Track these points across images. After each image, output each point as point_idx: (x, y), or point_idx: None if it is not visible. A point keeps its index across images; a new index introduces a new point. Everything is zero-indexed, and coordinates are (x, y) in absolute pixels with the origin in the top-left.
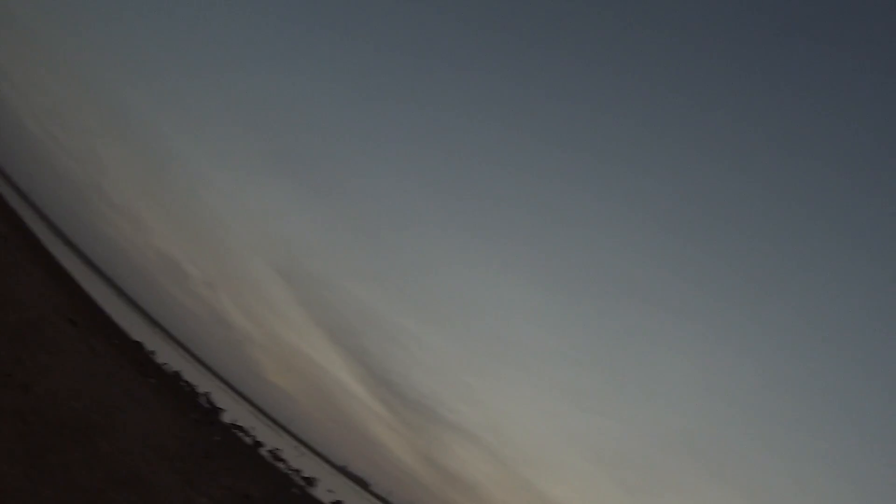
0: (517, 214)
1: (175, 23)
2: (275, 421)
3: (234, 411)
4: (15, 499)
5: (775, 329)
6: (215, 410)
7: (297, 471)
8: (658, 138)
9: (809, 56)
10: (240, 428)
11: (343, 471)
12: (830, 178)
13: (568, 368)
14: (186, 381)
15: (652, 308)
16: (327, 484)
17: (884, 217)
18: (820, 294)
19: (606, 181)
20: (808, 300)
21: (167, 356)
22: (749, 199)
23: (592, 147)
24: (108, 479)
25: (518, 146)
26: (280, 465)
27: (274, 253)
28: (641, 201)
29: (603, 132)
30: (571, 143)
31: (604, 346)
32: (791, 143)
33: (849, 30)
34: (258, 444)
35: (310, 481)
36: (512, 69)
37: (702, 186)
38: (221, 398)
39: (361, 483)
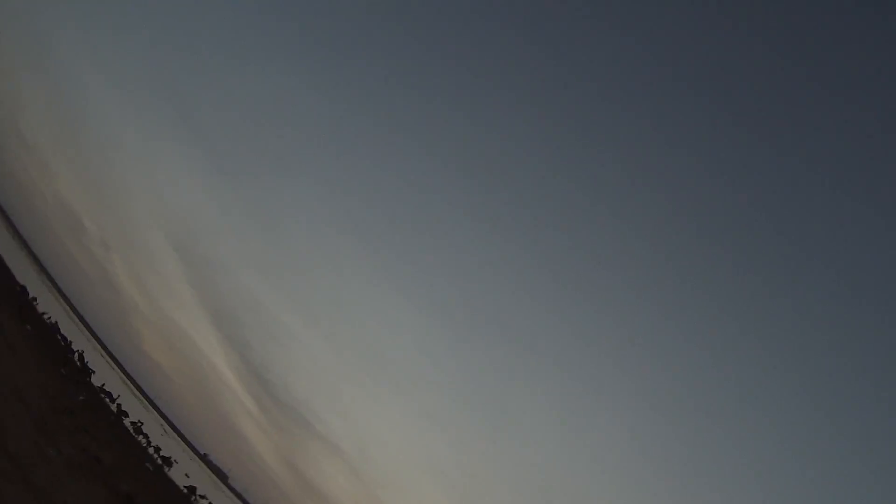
0: (415, 239)
1: None
2: (144, 394)
3: (104, 375)
4: None
5: (637, 375)
6: (86, 370)
7: (157, 448)
8: (543, 175)
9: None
10: (107, 393)
11: (204, 458)
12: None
13: (439, 398)
14: (63, 336)
15: (527, 354)
16: (185, 468)
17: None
18: (683, 341)
19: (491, 216)
20: (673, 345)
21: (49, 306)
22: (624, 244)
23: (486, 182)
24: None
25: (422, 171)
26: (140, 438)
27: (173, 227)
28: (528, 248)
29: (496, 166)
30: (467, 175)
31: (477, 384)
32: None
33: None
34: (122, 413)
35: (167, 461)
36: (417, 84)
37: (577, 227)
38: (95, 360)
39: (220, 474)
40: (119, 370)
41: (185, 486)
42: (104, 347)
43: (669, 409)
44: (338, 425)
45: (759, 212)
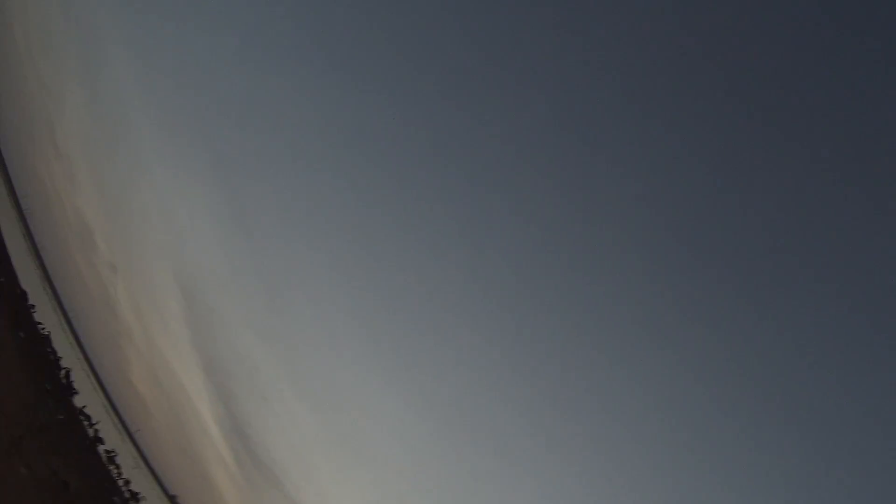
0: (414, 338)
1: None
2: (124, 424)
3: (87, 398)
4: None
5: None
6: (70, 389)
7: (127, 481)
8: (533, 288)
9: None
10: (87, 416)
11: (172, 499)
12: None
13: (414, 493)
14: (53, 349)
15: (509, 467)
16: None
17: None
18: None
19: (492, 327)
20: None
21: (46, 317)
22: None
23: (487, 291)
24: None
25: (434, 281)
26: (112, 468)
27: (183, 267)
28: (522, 364)
29: (497, 279)
30: (470, 284)
31: (455, 487)
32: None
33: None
34: (98, 439)
35: (135, 496)
36: (430, 196)
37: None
38: (81, 380)
39: None
40: (103, 394)
41: None
42: (92, 369)
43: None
44: (308, 493)
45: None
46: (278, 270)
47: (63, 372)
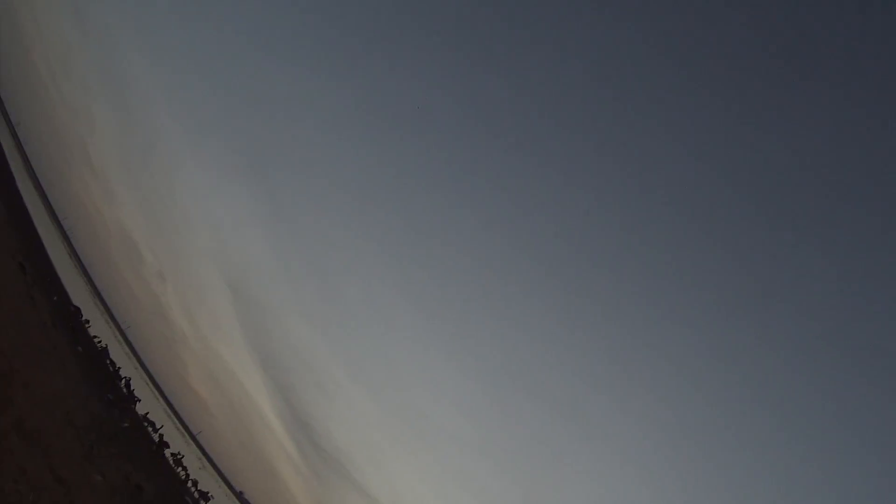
0: (462, 305)
1: (201, 22)
2: (186, 427)
3: (149, 405)
4: None
5: (682, 477)
6: (132, 398)
7: (195, 482)
8: (590, 249)
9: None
10: (150, 423)
11: (240, 497)
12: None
13: (478, 462)
14: (112, 361)
15: (570, 427)
16: (221, 503)
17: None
18: (734, 449)
19: (546, 293)
20: (716, 425)
21: (100, 330)
22: (679, 341)
23: (538, 254)
24: (16, 426)
25: (475, 243)
26: (179, 470)
27: (229, 266)
28: (585, 323)
29: (547, 242)
30: (519, 249)
31: (516, 450)
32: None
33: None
34: (164, 443)
35: (204, 496)
36: (478, 160)
37: (638, 319)
38: (140, 388)
39: None
40: (163, 401)
41: None
42: (150, 377)
43: (716, 487)
44: (374, 477)
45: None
46: (323, 257)
47: (123, 382)
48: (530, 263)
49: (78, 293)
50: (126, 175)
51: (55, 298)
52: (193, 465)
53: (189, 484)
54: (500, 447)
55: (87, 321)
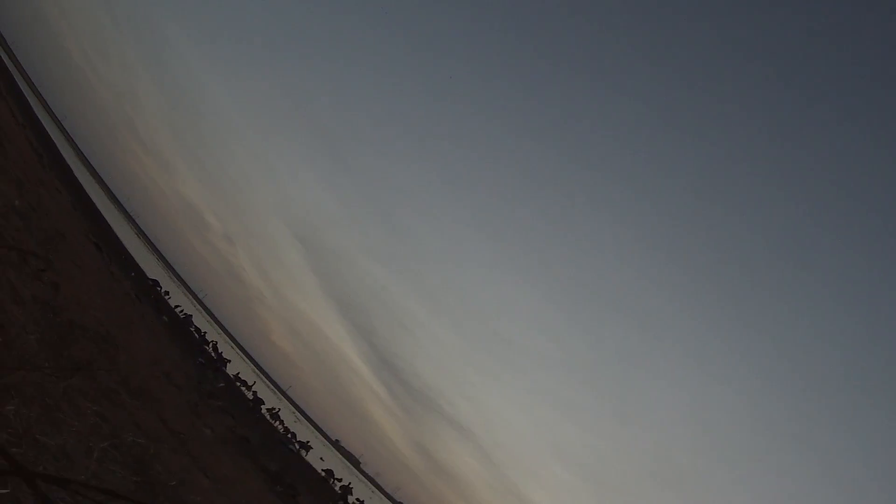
0: (534, 224)
1: None
2: (274, 383)
3: (238, 365)
4: (40, 382)
5: (760, 356)
6: (221, 360)
7: (293, 434)
8: (670, 170)
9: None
10: (242, 381)
11: (335, 445)
12: (817, 214)
13: (562, 379)
14: (196, 327)
15: (650, 334)
16: (319, 453)
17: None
18: (809, 321)
19: (624, 208)
20: (795, 329)
21: (179, 300)
22: (743, 225)
23: (605, 166)
24: (123, 384)
25: (543, 160)
26: (276, 424)
27: (294, 218)
28: (655, 231)
29: (615, 154)
30: (586, 162)
31: (598, 363)
32: (784, 160)
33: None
34: (259, 400)
35: (304, 445)
36: (535, 88)
37: (700, 209)
38: (227, 350)
39: (352, 460)
40: (249, 361)
41: (322, 470)
42: (233, 339)
43: (794, 393)
44: (466, 408)
45: None
46: (386, 193)
47: (210, 345)
48: (593, 176)
49: (151, 268)
50: (178, 145)
51: (132, 274)
52: (288, 418)
53: (288, 435)
54: (584, 362)
55: (167, 292)
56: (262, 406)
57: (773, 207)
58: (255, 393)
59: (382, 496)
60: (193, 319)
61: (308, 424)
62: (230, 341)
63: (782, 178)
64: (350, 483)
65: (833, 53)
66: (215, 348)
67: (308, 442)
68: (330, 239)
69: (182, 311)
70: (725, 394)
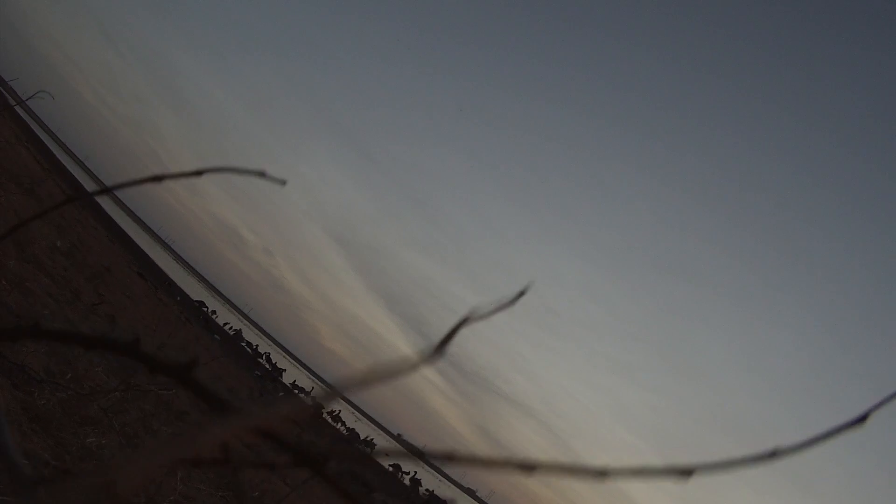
0: (569, 191)
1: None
2: (330, 386)
3: (293, 374)
4: (114, 411)
5: (821, 311)
6: (277, 370)
7: (356, 433)
8: (707, 120)
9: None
10: (300, 389)
11: (398, 439)
12: (867, 158)
13: (616, 343)
14: (248, 342)
15: (698, 286)
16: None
17: None
18: (868, 275)
19: (658, 162)
20: (856, 280)
21: (226, 318)
22: (799, 184)
23: (645, 128)
24: (192, 404)
25: (573, 125)
26: (339, 426)
27: (330, 220)
28: (691, 182)
29: (654, 115)
30: (625, 125)
31: (651, 321)
32: (828, 125)
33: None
34: (318, 404)
35: (369, 443)
36: (561, 53)
37: (749, 168)
38: (280, 361)
39: (417, 452)
40: (303, 368)
41: (389, 465)
42: (284, 348)
43: (852, 331)
44: (522, 384)
45: None
46: (417, 181)
47: (264, 357)
48: (626, 135)
49: (195, 290)
50: (204, 165)
51: (178, 298)
52: (349, 419)
53: (352, 436)
54: (635, 323)
55: (214, 312)
56: (322, 410)
57: (816, 153)
58: (314, 399)
59: (450, 484)
60: (243, 334)
61: (368, 422)
62: (282, 351)
63: (832, 128)
64: (416, 473)
65: None
66: (269, 359)
67: (372, 439)
68: (367, 236)
69: (231, 327)
70: (780, 338)
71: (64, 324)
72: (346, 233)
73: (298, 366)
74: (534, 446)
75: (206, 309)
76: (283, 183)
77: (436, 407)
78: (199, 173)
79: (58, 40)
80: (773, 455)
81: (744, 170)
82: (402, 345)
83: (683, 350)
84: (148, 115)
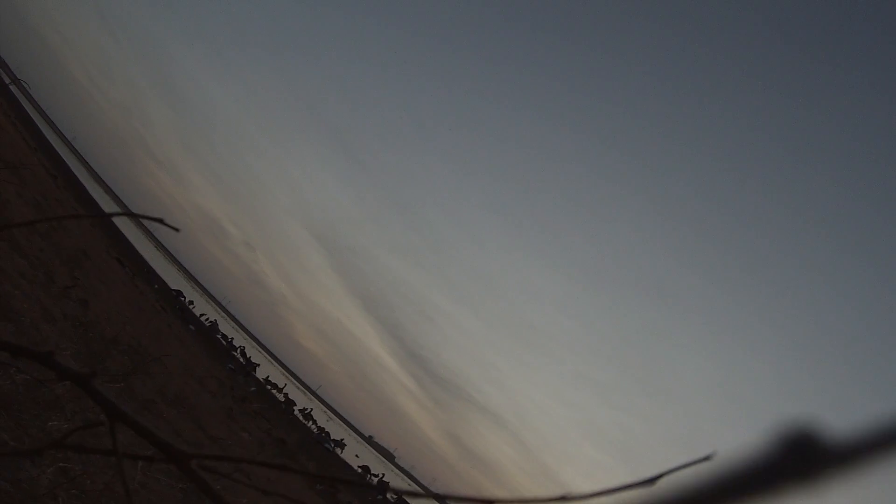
0: (552, 207)
1: None
2: (304, 384)
3: (267, 369)
4: (79, 398)
5: (788, 330)
6: (251, 364)
7: (327, 433)
8: (684, 143)
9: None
10: (272, 384)
11: (369, 441)
12: (836, 181)
13: (589, 360)
14: (223, 334)
15: (670, 306)
16: (354, 450)
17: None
18: (833, 293)
19: (640, 185)
20: (821, 300)
21: (204, 309)
22: (765, 201)
23: (627, 150)
24: (159, 393)
25: (558, 143)
26: (310, 424)
27: (313, 220)
28: (670, 205)
29: (634, 135)
30: (608, 146)
31: (623, 340)
32: (799, 149)
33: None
34: (290, 401)
35: (339, 443)
36: (548, 68)
37: (720, 188)
38: (255, 355)
39: (386, 454)
40: (277, 363)
41: (359, 466)
42: (260, 343)
43: (820, 358)
44: (495, 395)
45: None
46: (402, 187)
47: (238, 351)
48: (609, 155)
49: (174, 279)
50: (191, 157)
51: (156, 286)
52: (321, 418)
53: (322, 435)
54: (609, 341)
55: (191, 302)
56: (295, 407)
57: (790, 178)
58: (286, 395)
59: (419, 489)
60: (219, 326)
61: (340, 423)
62: (257, 346)
63: (804, 152)
64: (384, 475)
65: None
66: (243, 353)
67: (342, 440)
68: (348, 237)
69: (207, 318)
70: (750, 362)
71: (35, 305)
72: (327, 232)
73: (273, 362)
74: (503, 456)
75: (183, 298)
76: (178, 230)
77: (408, 411)
78: (104, 215)
79: (53, 19)
80: (562, 500)
81: (721, 194)
82: (377, 347)
83: (654, 369)
84: (138, 100)
